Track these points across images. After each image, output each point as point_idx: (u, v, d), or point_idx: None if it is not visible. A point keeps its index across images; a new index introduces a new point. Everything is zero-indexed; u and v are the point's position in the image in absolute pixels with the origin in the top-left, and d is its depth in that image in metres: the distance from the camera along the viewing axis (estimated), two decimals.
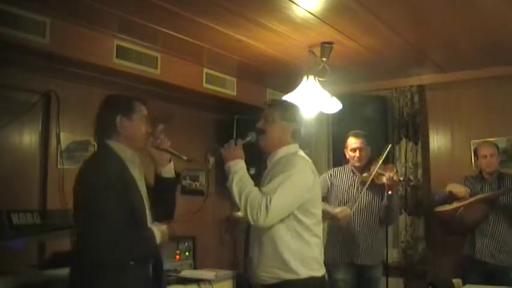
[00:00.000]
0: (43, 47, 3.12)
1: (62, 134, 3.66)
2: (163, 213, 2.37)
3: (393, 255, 4.61)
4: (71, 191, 3.65)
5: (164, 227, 2.27)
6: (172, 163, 2.44)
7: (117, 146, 2.23)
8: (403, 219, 4.63)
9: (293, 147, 2.52)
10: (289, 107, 2.58)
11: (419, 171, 4.67)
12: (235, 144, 2.45)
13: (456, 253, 4.13)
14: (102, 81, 3.80)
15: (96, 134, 2.29)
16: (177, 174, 2.50)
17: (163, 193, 2.39)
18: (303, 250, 2.38)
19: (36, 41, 3.07)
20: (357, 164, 3.80)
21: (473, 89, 4.62)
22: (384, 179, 3.64)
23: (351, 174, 3.84)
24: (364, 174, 3.77)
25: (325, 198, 3.68)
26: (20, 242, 2.89)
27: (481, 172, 4.03)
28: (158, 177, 2.41)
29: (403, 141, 4.74)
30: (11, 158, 3.45)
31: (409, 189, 4.62)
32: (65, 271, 2.79)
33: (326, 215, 3.54)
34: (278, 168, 2.40)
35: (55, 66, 3.47)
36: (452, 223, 3.93)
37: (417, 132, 4.73)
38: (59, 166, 3.64)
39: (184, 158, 2.43)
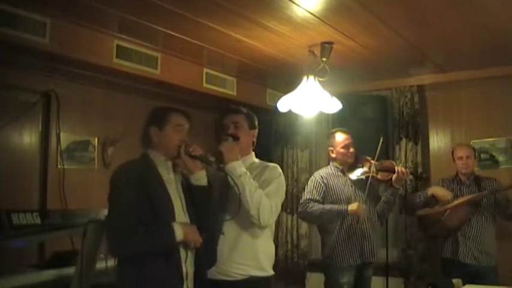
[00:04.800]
0: (43, 47, 3.11)
1: (62, 134, 3.66)
2: (198, 221, 2.40)
3: (393, 255, 4.59)
4: (71, 191, 3.66)
5: (191, 225, 2.34)
6: (204, 171, 2.45)
7: (153, 154, 2.40)
8: (403, 219, 4.62)
9: (254, 155, 2.74)
10: (253, 116, 2.76)
11: (420, 171, 4.66)
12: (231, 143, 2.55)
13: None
14: (102, 81, 3.80)
15: (141, 145, 2.48)
16: (210, 184, 2.47)
17: (194, 201, 2.42)
18: (269, 250, 2.66)
19: (36, 41, 3.07)
20: (350, 161, 3.76)
21: (473, 89, 4.62)
22: (380, 175, 3.65)
23: (341, 174, 3.76)
24: (361, 171, 3.72)
25: (321, 202, 3.64)
26: (20, 242, 2.89)
27: (457, 175, 4.01)
28: (189, 185, 2.45)
29: (403, 141, 4.74)
30: (11, 158, 3.45)
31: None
32: (65, 271, 2.80)
33: (340, 215, 3.55)
34: (265, 174, 2.59)
35: (55, 66, 3.47)
36: (436, 226, 3.90)
37: (417, 132, 4.72)
38: (59, 166, 3.64)
39: (214, 165, 2.44)
